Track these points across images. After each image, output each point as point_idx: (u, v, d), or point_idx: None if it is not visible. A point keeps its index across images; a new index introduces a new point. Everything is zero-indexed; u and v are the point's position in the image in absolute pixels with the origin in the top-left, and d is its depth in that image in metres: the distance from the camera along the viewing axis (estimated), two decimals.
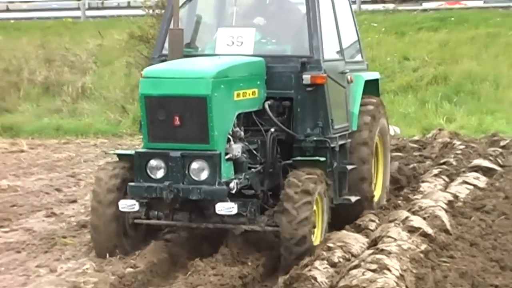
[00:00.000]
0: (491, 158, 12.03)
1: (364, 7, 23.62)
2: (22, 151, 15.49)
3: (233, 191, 6.99)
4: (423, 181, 10.71)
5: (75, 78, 20.04)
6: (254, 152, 7.73)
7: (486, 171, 11.13)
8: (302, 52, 8.08)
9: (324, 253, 7.26)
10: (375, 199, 9.14)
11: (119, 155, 7.84)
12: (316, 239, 7.49)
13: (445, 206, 8.78)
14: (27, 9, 27.51)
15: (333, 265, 6.98)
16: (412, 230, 7.59)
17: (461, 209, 8.97)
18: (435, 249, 7.37)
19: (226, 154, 7.15)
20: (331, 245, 7.52)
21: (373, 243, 7.35)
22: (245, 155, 7.52)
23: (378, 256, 6.54)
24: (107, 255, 7.48)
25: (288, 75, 7.95)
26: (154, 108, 7.13)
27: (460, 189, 9.95)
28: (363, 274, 6.20)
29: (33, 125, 17.60)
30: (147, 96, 7.12)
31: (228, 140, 7.23)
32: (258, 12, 9.16)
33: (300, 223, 6.98)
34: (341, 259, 7.14)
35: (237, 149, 7.29)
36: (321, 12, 8.20)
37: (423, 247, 7.25)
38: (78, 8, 26.03)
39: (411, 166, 12.07)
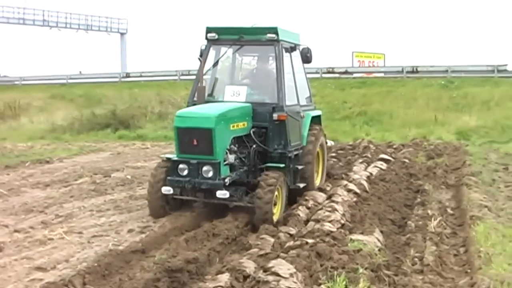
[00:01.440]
0: (388, 154, 17.84)
1: (324, 75, 35.47)
2: (147, 148, 23.21)
3: (227, 184, 10.36)
4: (354, 165, 15.49)
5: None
6: (243, 159, 11.17)
7: (386, 161, 16.42)
8: (273, 101, 11.40)
9: (303, 202, 11.21)
10: (317, 184, 12.75)
11: (166, 158, 11.16)
12: (277, 211, 10.62)
13: (365, 178, 13.31)
14: (150, 75, 39.75)
15: (308, 208, 10.96)
16: (348, 190, 11.80)
17: (373, 180, 13.60)
18: (360, 200, 11.54)
19: (224, 161, 10.55)
20: (307, 197, 11.49)
21: (329, 197, 11.34)
22: (237, 161, 10.89)
23: (331, 203, 10.57)
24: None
25: (265, 114, 11.33)
26: (182, 134, 10.55)
27: (373, 170, 14.77)
28: (323, 212, 10.10)
29: (153, 134, 26.25)
30: (178, 127, 10.60)
31: (226, 153, 10.62)
32: (249, 75, 12.94)
33: (266, 202, 10.20)
34: (312, 205, 11.13)
35: (231, 158, 10.69)
36: (285, 77, 11.56)
37: (355, 199, 11.41)
38: (175, 75, 38.03)
39: (347, 158, 17.65)
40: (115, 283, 7.68)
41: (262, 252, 8.35)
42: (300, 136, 12.13)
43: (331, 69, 36.84)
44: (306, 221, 10.24)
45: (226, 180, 10.44)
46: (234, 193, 10.68)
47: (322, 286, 6.92)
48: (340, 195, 11.23)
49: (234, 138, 10.99)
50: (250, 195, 10.66)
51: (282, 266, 7.07)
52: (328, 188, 12.52)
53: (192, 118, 10.57)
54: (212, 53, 12.24)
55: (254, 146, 11.38)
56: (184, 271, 8.03)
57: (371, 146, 20.02)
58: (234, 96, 11.68)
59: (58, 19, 64.28)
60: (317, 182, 13.04)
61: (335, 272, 7.19)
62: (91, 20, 66.89)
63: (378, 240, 8.95)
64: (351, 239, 8.62)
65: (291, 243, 8.62)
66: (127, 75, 44.72)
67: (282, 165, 11.13)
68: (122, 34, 70.32)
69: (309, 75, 35.51)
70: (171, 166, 10.83)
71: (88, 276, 7.85)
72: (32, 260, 8.77)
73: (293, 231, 9.63)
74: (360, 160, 16.42)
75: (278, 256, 7.73)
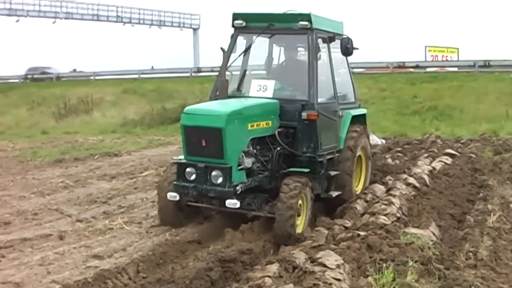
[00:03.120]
0: (454, 148, 17.41)
1: (395, 70, 35.14)
2: None
3: (238, 193, 9.02)
4: (418, 160, 15.15)
5: None
6: (265, 163, 9.78)
7: (451, 155, 15.97)
8: (303, 97, 10.08)
9: (362, 195, 11.06)
10: (356, 192, 11.38)
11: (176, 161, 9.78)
12: (301, 223, 9.39)
13: (427, 172, 12.97)
14: None
15: (366, 201, 10.77)
16: (408, 184, 11.56)
17: (436, 174, 13.23)
18: (419, 194, 11.34)
19: (239, 165, 9.23)
20: (366, 191, 11.36)
21: (387, 190, 11.23)
22: (256, 166, 9.62)
23: (388, 197, 10.45)
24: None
25: (294, 112, 10.00)
26: (189, 134, 9.27)
27: (437, 164, 14.41)
28: (380, 206, 9.98)
29: None
30: (185, 126, 9.30)
31: (242, 156, 9.29)
32: (279, 68, 11.44)
33: (287, 216, 8.93)
34: (370, 198, 10.94)
35: (248, 162, 9.36)
36: (319, 70, 10.23)
37: (413, 193, 11.23)
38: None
39: (413, 152, 17.32)
40: (167, 271, 7.79)
41: (314, 244, 8.35)
42: (336, 138, 10.85)
43: (402, 64, 36.47)
44: (363, 214, 10.13)
45: (238, 187, 9.10)
46: (252, 202, 9.49)
47: (369, 278, 6.88)
48: (398, 189, 11.10)
49: (253, 139, 9.70)
50: (271, 204, 9.41)
51: (329, 257, 7.06)
52: (389, 182, 12.25)
53: (201, 116, 9.30)
54: (239, 42, 10.98)
55: (279, 148, 10.00)
56: (238, 262, 8.10)
57: (439, 141, 19.61)
58: (261, 91, 10.41)
59: (132, 15, 65.56)
60: (358, 190, 11.70)
61: (384, 265, 7.15)
62: (164, 16, 68.02)
63: (434, 234, 8.84)
64: (404, 232, 8.53)
65: (343, 235, 8.60)
66: (199, 70, 45.22)
67: (306, 170, 9.71)
68: (194, 29, 71.22)
69: (379, 70, 35.38)
70: (178, 170, 9.54)
71: (142, 265, 8.05)
72: (90, 248, 9.05)
73: (348, 223, 9.59)
74: (426, 155, 16.12)
75: (328, 248, 7.71)
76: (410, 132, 23.06)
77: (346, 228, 9.39)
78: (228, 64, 10.79)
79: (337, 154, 10.77)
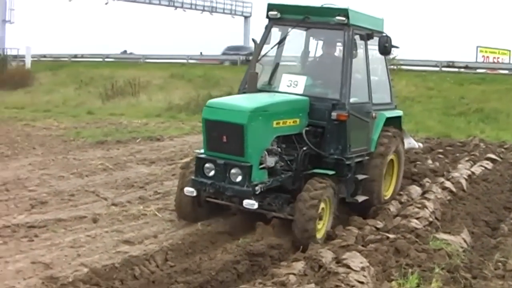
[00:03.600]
0: (497, 153, 17.01)
1: (444, 69, 34.64)
2: None
3: (257, 193, 8.62)
4: (459, 163, 14.94)
5: None
6: (289, 163, 9.38)
7: (492, 160, 15.61)
8: (335, 96, 9.61)
9: (397, 196, 10.99)
10: (385, 197, 10.92)
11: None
12: (322, 228, 9.03)
13: (465, 177, 12.79)
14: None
15: (400, 202, 10.73)
16: (444, 188, 11.47)
17: (475, 179, 13.01)
18: (455, 199, 11.23)
19: (261, 164, 8.80)
20: (401, 192, 11.27)
21: (423, 193, 11.12)
22: (280, 165, 9.20)
23: (423, 200, 10.36)
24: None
25: (324, 111, 9.53)
26: (210, 128, 8.84)
27: (477, 169, 14.08)
28: (413, 208, 9.96)
29: None
30: (206, 120, 8.85)
31: (264, 155, 8.86)
32: (312, 64, 11.15)
33: (307, 219, 8.54)
34: (405, 200, 10.87)
35: (270, 161, 8.93)
36: (355, 68, 9.81)
37: (449, 197, 11.13)
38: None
39: (455, 155, 17.05)
40: (194, 261, 7.87)
41: (343, 244, 8.29)
42: (367, 141, 10.33)
43: (451, 63, 36.10)
44: (396, 216, 10.08)
45: (257, 187, 8.69)
46: (273, 202, 9.14)
47: (393, 282, 6.87)
48: (434, 192, 11.02)
49: (278, 137, 9.30)
50: (292, 206, 8.98)
51: (355, 259, 7.07)
52: (426, 184, 12.14)
53: (223, 110, 8.84)
54: (273, 34, 10.54)
55: (305, 148, 9.61)
56: (266, 256, 8.17)
57: (482, 144, 19.28)
58: (291, 87, 9.95)
59: (184, 0, 65.62)
60: (387, 195, 11.19)
61: (410, 270, 7.13)
62: (216, 3, 68.02)
63: (465, 241, 8.76)
64: (434, 238, 8.46)
65: (372, 237, 8.57)
66: (247, 59, 45.22)
67: (331, 172, 9.30)
68: (246, 17, 71.23)
69: (428, 68, 35.13)
70: (196, 164, 9.12)
71: (171, 253, 8.20)
72: (122, 233, 9.15)
73: (380, 225, 9.52)
74: (467, 158, 15.87)
75: (355, 249, 7.70)
76: (455, 134, 22.73)
77: (377, 229, 9.33)
78: (260, 56, 10.47)
79: (367, 157, 10.33)
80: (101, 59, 51.66)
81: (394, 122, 11.08)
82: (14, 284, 6.90)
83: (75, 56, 53.70)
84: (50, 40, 78.25)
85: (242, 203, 8.75)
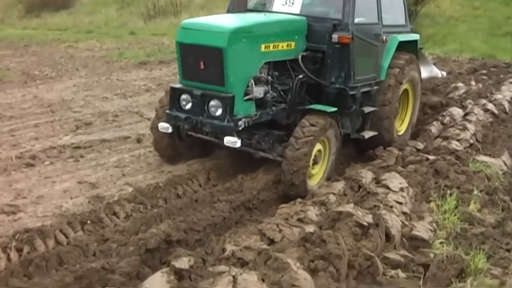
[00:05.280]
0: None
1: None
2: None
3: (240, 128, 7.47)
4: (503, 85, 14.66)
5: None
6: (282, 93, 8.27)
7: None
8: (336, 16, 8.40)
9: (440, 117, 10.91)
10: (400, 132, 9.90)
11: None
12: (318, 172, 8.02)
13: (508, 99, 12.71)
14: None
15: (442, 124, 10.70)
16: (486, 110, 11.44)
17: None
18: (497, 121, 11.21)
19: (247, 95, 7.64)
20: (443, 113, 11.13)
21: (465, 114, 11.04)
22: (272, 95, 8.07)
23: (464, 122, 10.38)
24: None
25: (323, 33, 8.31)
26: (185, 53, 7.66)
27: None
28: (454, 130, 10.00)
29: None
30: (180, 43, 7.66)
31: (250, 84, 7.68)
32: None
33: (296, 167, 7.40)
34: (447, 121, 10.78)
35: (258, 91, 7.77)
36: None
37: (490, 119, 11.10)
38: None
39: (499, 76, 16.65)
40: (236, 181, 7.99)
41: (383, 164, 8.36)
42: (375, 68, 9.08)
43: None
44: (436, 137, 10.07)
45: (241, 122, 7.51)
46: (263, 140, 8.10)
47: (431, 203, 6.95)
48: (475, 114, 10.97)
49: (268, 63, 8.10)
50: (285, 145, 7.82)
51: (394, 180, 7.15)
52: (469, 105, 11.95)
53: (199, 32, 7.55)
54: None
55: (301, 76, 8.42)
56: None
57: None
58: (286, 6, 8.77)
59: None
60: (401, 131, 10.11)
61: (448, 191, 7.18)
62: None
63: (505, 164, 8.76)
64: (474, 160, 8.51)
65: (412, 157, 8.61)
66: None
67: (331, 109, 8.05)
68: None
69: None
70: (171, 96, 8.04)
71: (213, 173, 8.46)
72: None
73: (420, 146, 9.52)
74: (511, 80, 15.59)
75: (394, 170, 7.77)
76: (500, 55, 22.25)
77: (417, 150, 9.35)
78: None
79: (376, 87, 9.11)
80: None
81: (409, 47, 9.85)
82: (61, 203, 7.12)
83: None
84: None
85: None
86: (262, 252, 4.78)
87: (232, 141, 7.45)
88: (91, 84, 14.64)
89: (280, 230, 5.72)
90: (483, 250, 5.70)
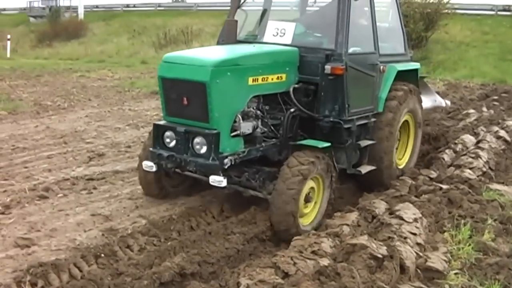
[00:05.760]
0: None
1: (500, 13, 32.09)
2: None
3: (225, 166, 7.07)
4: None
5: None
6: (272, 128, 7.89)
7: None
8: (329, 46, 7.99)
9: (452, 145, 10.78)
10: (400, 166, 9.55)
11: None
12: (312, 211, 7.60)
13: None
14: None
15: (455, 152, 10.58)
16: (498, 137, 11.37)
17: None
18: (509, 148, 11.16)
19: (234, 131, 7.30)
20: (455, 141, 10.98)
21: (477, 142, 10.97)
22: (262, 130, 7.74)
23: (477, 150, 10.31)
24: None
25: (316, 64, 7.94)
26: (168, 88, 7.31)
27: None
28: (466, 158, 9.92)
29: None
30: (162, 78, 7.32)
31: (238, 119, 7.36)
32: (304, 9, 9.74)
33: (284, 211, 7.01)
34: (459, 149, 10.68)
35: (246, 126, 7.45)
36: (354, 13, 8.12)
37: (503, 147, 11.06)
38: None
39: (510, 102, 16.62)
40: (250, 213, 7.86)
41: (396, 194, 8.35)
42: (372, 99, 8.70)
43: (507, 7, 35.19)
44: (450, 165, 10.00)
45: (227, 160, 7.14)
46: (253, 177, 7.67)
47: (445, 233, 6.94)
48: (488, 142, 10.92)
49: (257, 97, 7.75)
50: (276, 183, 7.30)
51: (408, 210, 7.14)
52: (481, 133, 11.90)
53: (181, 66, 7.23)
54: None
55: (292, 110, 8.02)
56: None
57: None
58: (277, 37, 8.36)
59: None
60: (401, 164, 9.78)
61: (462, 221, 7.17)
62: None
63: None
64: (487, 188, 8.49)
65: (425, 187, 8.60)
66: None
67: (324, 145, 7.56)
68: None
69: (483, 12, 34.34)
70: (154, 133, 7.61)
71: (226, 204, 8.28)
72: None
73: (433, 174, 9.47)
74: None
75: (408, 200, 7.77)
76: (511, 79, 22.31)
77: (430, 179, 9.30)
78: (242, 0, 9.01)
79: (373, 119, 8.75)
80: (153, 8, 51.73)
81: (409, 77, 9.46)
82: (75, 237, 7.11)
83: (127, 5, 53.82)
84: None
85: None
86: (277, 287, 4.78)
87: (217, 180, 7.05)
88: (103, 114, 14.71)
89: (295, 263, 5.67)
90: (498, 281, 5.72)
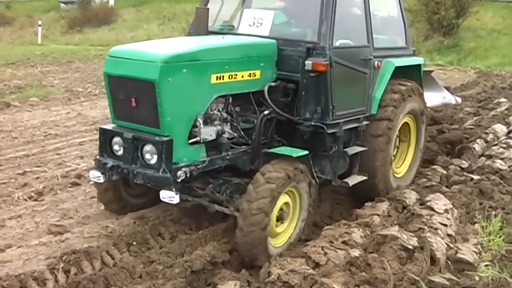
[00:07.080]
0: None
1: None
2: None
3: (179, 180, 5.97)
4: None
5: None
6: (243, 132, 6.82)
7: None
8: (312, 38, 6.94)
9: (483, 135, 10.70)
10: (398, 175, 8.39)
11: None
12: (285, 231, 6.47)
13: None
14: None
15: (486, 141, 10.53)
16: None
17: None
18: None
19: (192, 137, 6.19)
20: (487, 131, 10.95)
21: (508, 132, 11.01)
22: (231, 136, 6.69)
23: (508, 140, 10.34)
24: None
25: (296, 59, 6.89)
26: (115, 87, 6.21)
27: None
28: (498, 149, 9.92)
29: None
30: (108, 75, 6.20)
31: (196, 123, 6.25)
32: None
33: (250, 231, 5.90)
34: (491, 139, 10.64)
35: (208, 132, 6.32)
36: (341, 1, 7.02)
37: None
38: None
39: None
40: None
41: (427, 184, 8.30)
42: (364, 99, 7.53)
43: None
44: (481, 155, 9.96)
45: (181, 172, 5.99)
46: (218, 190, 6.56)
47: (476, 225, 6.93)
48: None
49: (225, 97, 6.64)
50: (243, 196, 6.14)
51: (438, 201, 7.13)
52: None
53: (128, 61, 6.04)
54: None
55: (266, 112, 6.89)
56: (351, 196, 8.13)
57: None
58: (254, 27, 7.24)
59: None
60: (400, 173, 8.53)
61: (493, 212, 7.15)
62: None
63: None
64: None
65: (456, 178, 8.57)
66: None
67: (300, 154, 6.41)
68: None
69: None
70: (100, 139, 6.48)
71: None
72: None
73: (465, 164, 9.41)
74: None
75: (439, 190, 7.75)
76: None
77: (461, 169, 9.26)
78: None
79: (365, 123, 7.58)
80: None
81: (411, 73, 8.36)
82: (107, 224, 7.17)
83: None
84: None
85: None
86: (308, 277, 4.82)
87: (168, 196, 5.97)
88: None
89: (325, 253, 5.69)
90: None
